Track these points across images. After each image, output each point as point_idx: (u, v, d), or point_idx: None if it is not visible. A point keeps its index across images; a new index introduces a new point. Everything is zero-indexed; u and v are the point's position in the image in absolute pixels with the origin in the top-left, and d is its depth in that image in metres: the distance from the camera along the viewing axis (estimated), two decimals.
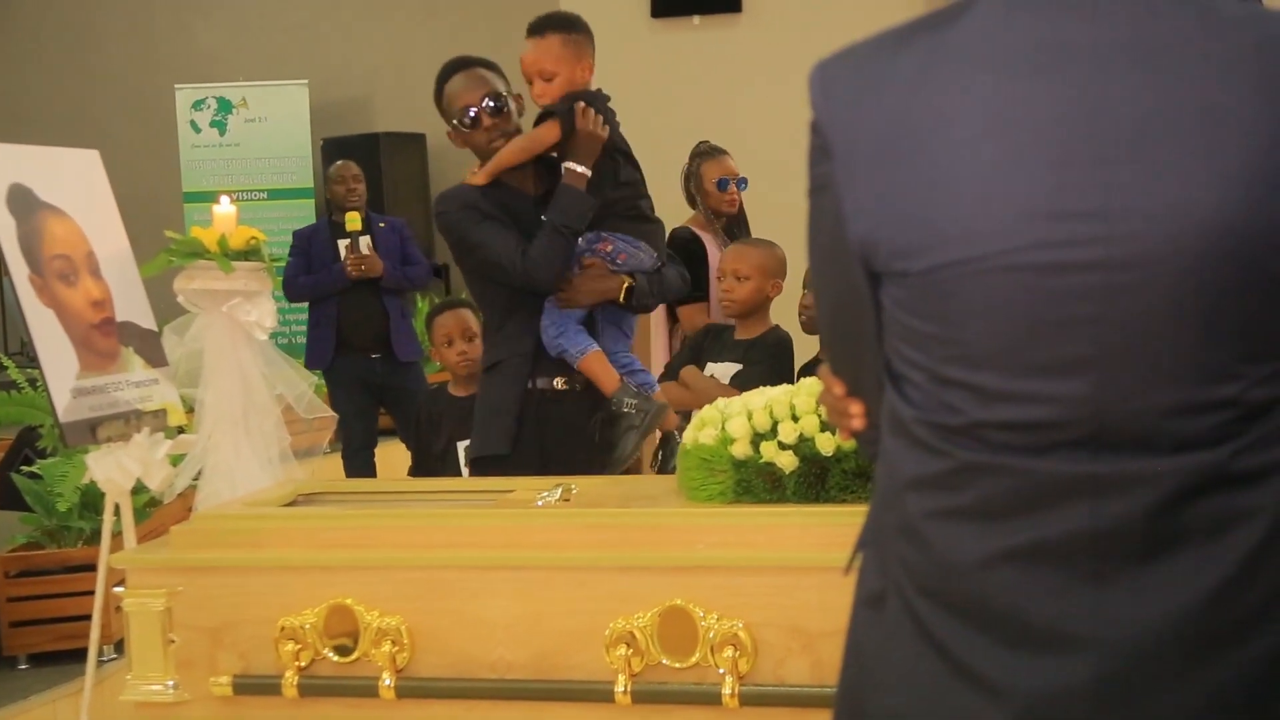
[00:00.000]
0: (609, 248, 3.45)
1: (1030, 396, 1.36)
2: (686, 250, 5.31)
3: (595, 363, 3.42)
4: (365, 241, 6.53)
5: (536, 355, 3.45)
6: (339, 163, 6.89)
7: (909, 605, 1.44)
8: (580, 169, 3.39)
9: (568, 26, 3.45)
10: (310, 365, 6.49)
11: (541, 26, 3.44)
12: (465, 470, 3.93)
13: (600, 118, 3.44)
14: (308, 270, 6.56)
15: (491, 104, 3.44)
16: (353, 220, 6.49)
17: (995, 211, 1.34)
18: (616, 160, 3.51)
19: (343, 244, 6.52)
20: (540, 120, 3.45)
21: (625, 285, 3.46)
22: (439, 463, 4.12)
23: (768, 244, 4.28)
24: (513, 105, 3.49)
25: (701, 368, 4.12)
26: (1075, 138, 1.32)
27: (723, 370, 4.06)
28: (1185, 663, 1.34)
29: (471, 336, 4.24)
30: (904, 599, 1.45)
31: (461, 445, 3.95)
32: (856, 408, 1.59)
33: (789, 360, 4.04)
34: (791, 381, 3.73)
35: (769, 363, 3.98)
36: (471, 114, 3.44)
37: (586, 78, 3.46)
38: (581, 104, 3.41)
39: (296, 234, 6.85)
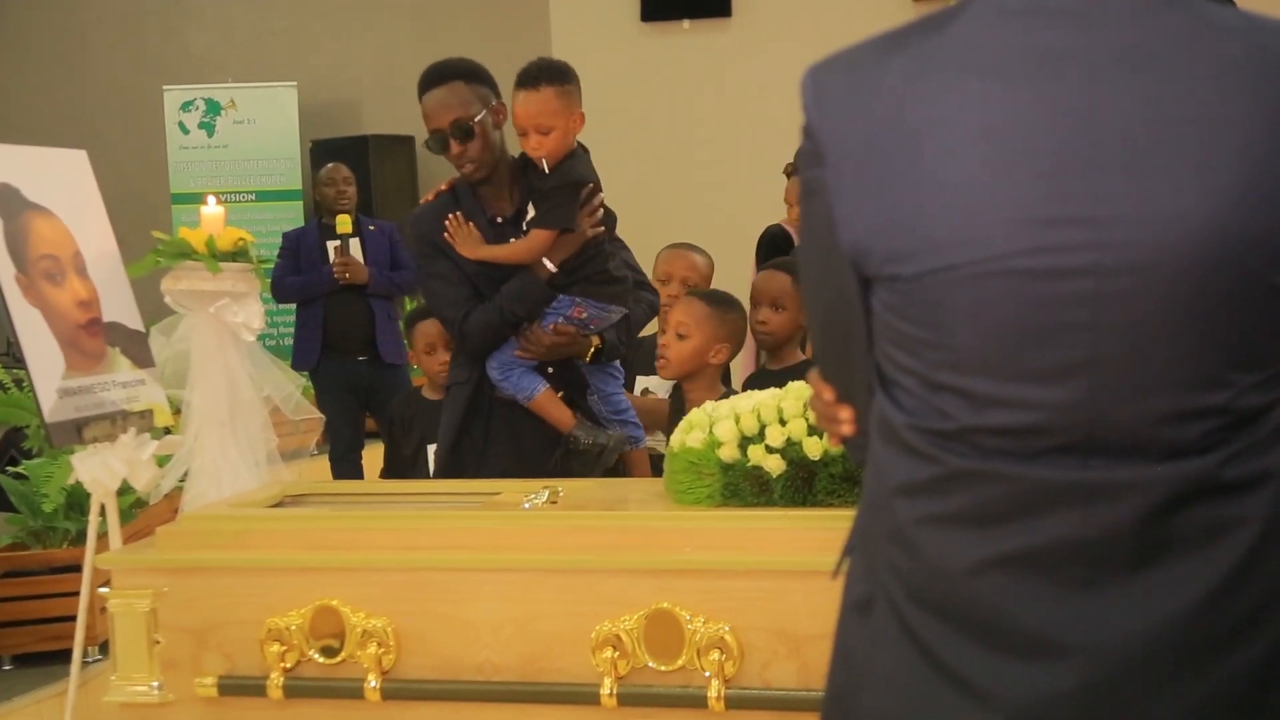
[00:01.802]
0: (583, 315, 3.43)
1: (1021, 402, 1.36)
2: (774, 245, 5.39)
3: (546, 402, 3.41)
4: (355, 244, 6.54)
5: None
6: (329, 165, 6.88)
7: (897, 611, 1.44)
8: (552, 267, 3.38)
9: (561, 77, 3.36)
10: (296, 367, 6.50)
11: (535, 78, 3.34)
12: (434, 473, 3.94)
13: (597, 214, 3.41)
14: (296, 271, 6.56)
15: (459, 130, 3.38)
16: (343, 223, 6.51)
17: (987, 217, 1.34)
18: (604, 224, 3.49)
19: (332, 246, 6.53)
20: (540, 187, 3.40)
21: (594, 347, 3.46)
22: (409, 465, 4.10)
23: (704, 251, 4.20)
24: (489, 120, 3.41)
25: (631, 382, 3.97)
26: (1068, 144, 1.32)
27: (659, 384, 3.93)
28: (1174, 670, 1.34)
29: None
30: (893, 604, 1.45)
31: (431, 448, 3.92)
32: (846, 413, 1.59)
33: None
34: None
35: None
36: (439, 138, 3.42)
37: (579, 127, 3.40)
38: (587, 208, 3.38)
39: (286, 235, 6.85)
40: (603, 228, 3.43)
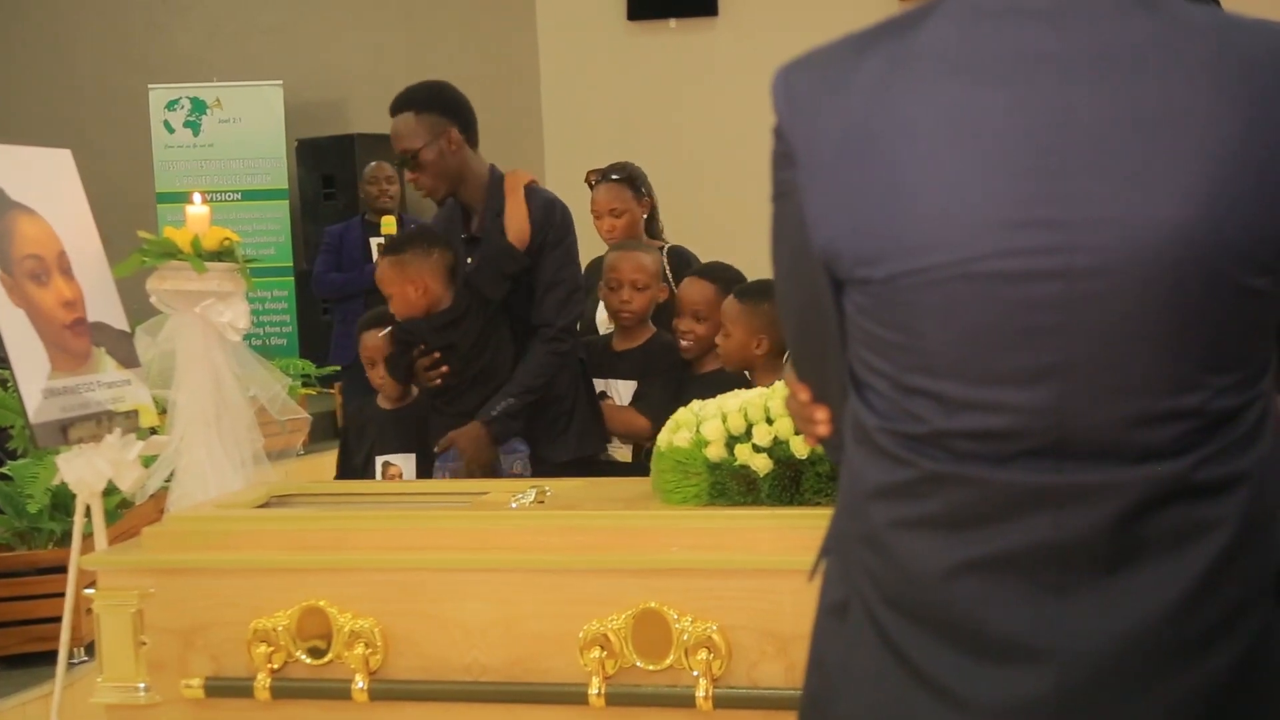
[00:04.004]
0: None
1: (992, 405, 1.35)
2: None
3: None
4: None
5: None
6: (373, 163, 7.02)
7: (872, 615, 1.44)
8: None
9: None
10: (333, 361, 6.76)
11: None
12: None
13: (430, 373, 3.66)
14: (338, 267, 6.67)
15: (405, 161, 3.65)
16: (388, 224, 6.64)
17: (957, 220, 1.33)
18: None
19: (375, 243, 6.60)
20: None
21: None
22: (359, 475, 3.98)
23: (648, 248, 4.13)
24: (439, 148, 3.61)
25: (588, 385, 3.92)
26: (1038, 146, 1.31)
27: (621, 389, 3.90)
28: (1147, 674, 1.34)
29: None
30: (868, 608, 1.45)
31: (380, 459, 3.85)
32: (822, 413, 1.59)
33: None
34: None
35: (667, 373, 3.83)
36: (398, 162, 3.72)
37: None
38: (421, 363, 3.65)
39: (328, 230, 7.02)
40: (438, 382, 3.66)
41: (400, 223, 6.69)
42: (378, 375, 3.97)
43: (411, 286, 3.65)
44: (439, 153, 3.61)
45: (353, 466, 4.03)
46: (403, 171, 7.05)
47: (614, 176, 4.61)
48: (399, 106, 3.68)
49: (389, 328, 3.76)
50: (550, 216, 3.71)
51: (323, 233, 7.03)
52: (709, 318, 3.69)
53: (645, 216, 4.60)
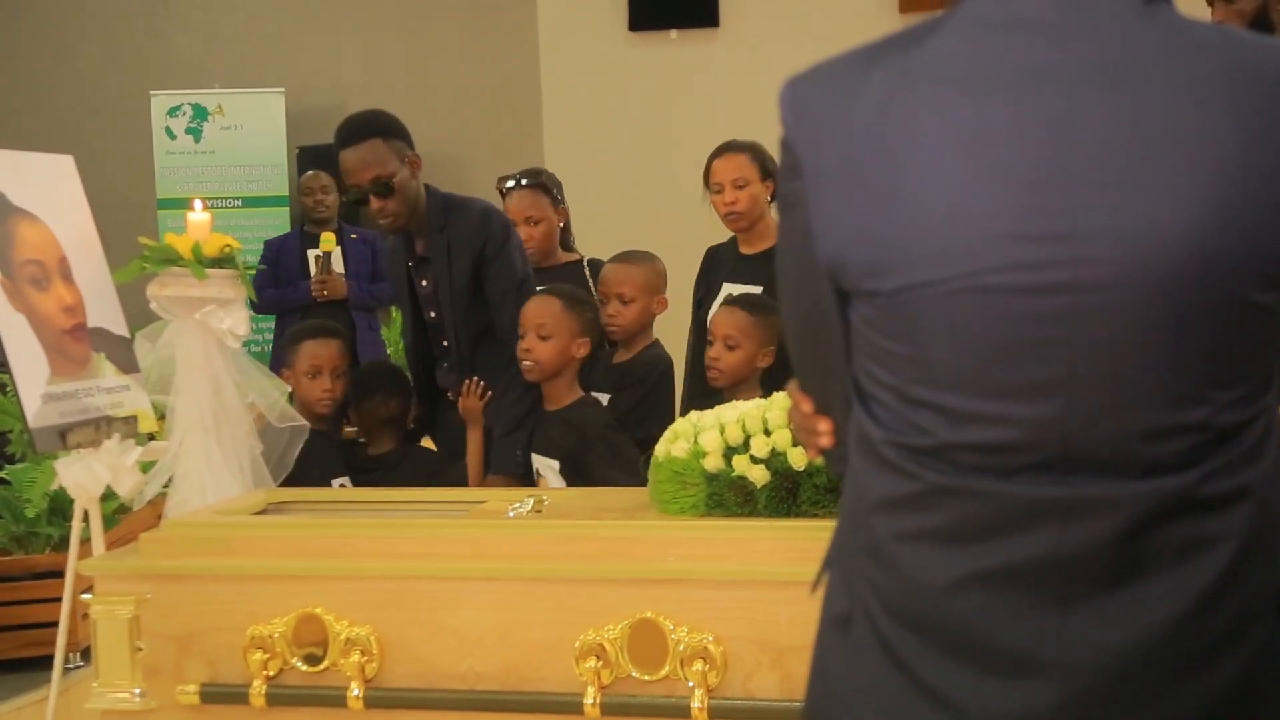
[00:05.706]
0: None
1: (998, 418, 1.36)
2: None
3: None
4: (336, 258, 6.48)
5: None
6: (309, 173, 6.86)
7: (876, 627, 1.44)
8: None
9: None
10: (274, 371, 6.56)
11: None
12: None
13: None
14: (275, 282, 6.51)
15: (379, 188, 3.59)
16: (327, 240, 6.47)
17: (963, 232, 1.34)
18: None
19: (312, 255, 6.50)
20: None
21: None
22: None
23: (647, 257, 3.94)
24: (407, 174, 3.60)
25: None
26: (1045, 160, 1.32)
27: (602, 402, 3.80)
28: (1149, 688, 1.34)
29: (341, 374, 3.90)
30: (871, 620, 1.45)
31: (337, 482, 3.77)
32: (825, 425, 1.59)
33: (666, 382, 3.72)
34: (670, 403, 3.69)
35: (636, 388, 3.71)
36: (358, 192, 3.62)
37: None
38: None
39: (268, 243, 6.84)
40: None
41: (340, 234, 6.56)
42: (319, 388, 3.87)
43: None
44: (408, 177, 3.62)
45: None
46: (339, 196, 6.93)
47: (526, 183, 4.33)
48: (360, 135, 3.61)
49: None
50: (486, 228, 3.71)
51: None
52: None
53: (561, 226, 4.38)
